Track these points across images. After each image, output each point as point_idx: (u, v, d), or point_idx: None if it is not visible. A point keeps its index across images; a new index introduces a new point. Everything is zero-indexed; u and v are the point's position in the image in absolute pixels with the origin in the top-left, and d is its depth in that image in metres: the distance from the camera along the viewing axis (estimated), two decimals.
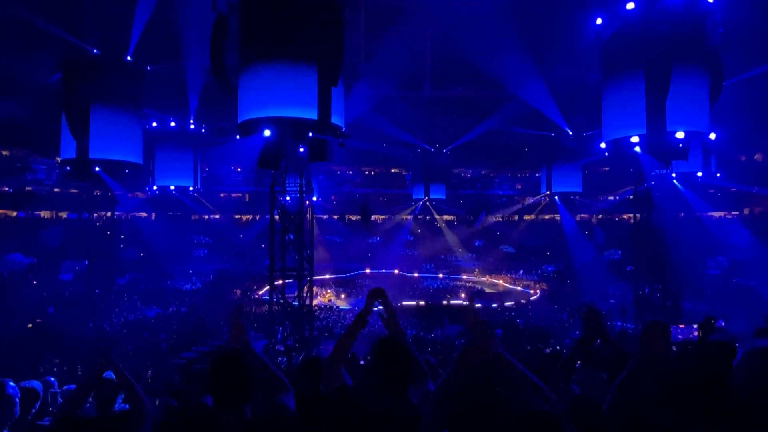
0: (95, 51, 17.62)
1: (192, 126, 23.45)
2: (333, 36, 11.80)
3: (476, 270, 32.48)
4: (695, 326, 4.23)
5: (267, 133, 12.02)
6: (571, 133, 24.92)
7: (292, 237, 13.25)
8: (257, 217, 33.29)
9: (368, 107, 23.72)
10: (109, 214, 18.74)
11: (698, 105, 13.70)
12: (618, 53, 14.29)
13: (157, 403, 3.85)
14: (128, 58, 17.51)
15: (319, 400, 2.32)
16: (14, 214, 27.90)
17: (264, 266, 21.31)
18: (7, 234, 25.64)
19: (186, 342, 14.98)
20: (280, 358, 12.10)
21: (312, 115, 11.95)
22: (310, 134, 12.17)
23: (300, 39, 11.83)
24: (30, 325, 16.59)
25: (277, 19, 11.90)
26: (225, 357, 2.08)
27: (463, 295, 27.12)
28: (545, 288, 28.22)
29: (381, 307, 2.46)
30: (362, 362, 5.81)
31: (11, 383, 3.25)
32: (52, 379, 4.82)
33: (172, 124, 22.93)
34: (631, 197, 16.71)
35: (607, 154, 15.69)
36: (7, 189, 28.00)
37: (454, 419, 1.90)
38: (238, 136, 12.87)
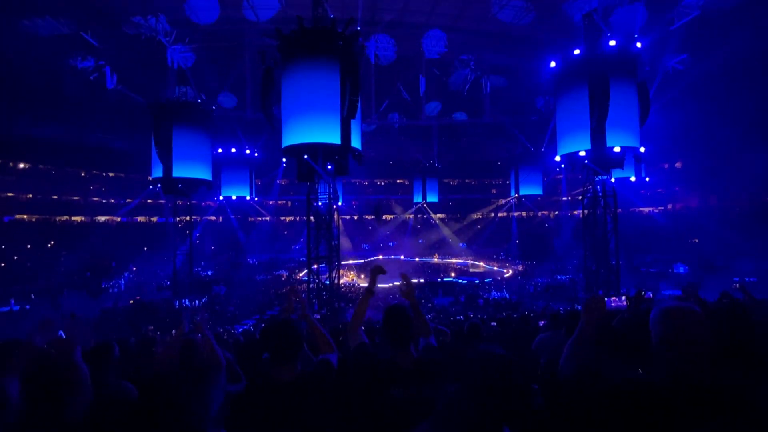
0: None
1: (248, 151, 23.62)
2: (352, 83, 11.78)
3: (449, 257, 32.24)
4: (623, 298, 4.22)
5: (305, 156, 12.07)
6: (532, 149, 24.67)
7: (323, 232, 13.33)
8: (297, 218, 33.47)
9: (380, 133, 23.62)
10: (188, 218, 18.75)
11: (630, 126, 13.48)
12: (568, 88, 14.13)
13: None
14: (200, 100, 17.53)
15: (343, 359, 2.26)
16: (118, 219, 28.34)
17: (303, 255, 21.39)
18: (114, 232, 26.37)
19: (247, 311, 15.09)
20: None
21: (336, 140, 12.00)
22: (336, 156, 12.18)
23: (329, 88, 11.84)
24: (132, 301, 16.91)
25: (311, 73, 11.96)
26: (276, 324, 1.98)
27: (453, 274, 26.96)
28: (518, 269, 27.86)
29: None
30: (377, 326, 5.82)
31: None
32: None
33: (233, 150, 23.14)
34: (581, 197, 16.45)
35: (563, 165, 15.55)
36: (113, 201, 28.45)
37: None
38: (283, 158, 12.88)
